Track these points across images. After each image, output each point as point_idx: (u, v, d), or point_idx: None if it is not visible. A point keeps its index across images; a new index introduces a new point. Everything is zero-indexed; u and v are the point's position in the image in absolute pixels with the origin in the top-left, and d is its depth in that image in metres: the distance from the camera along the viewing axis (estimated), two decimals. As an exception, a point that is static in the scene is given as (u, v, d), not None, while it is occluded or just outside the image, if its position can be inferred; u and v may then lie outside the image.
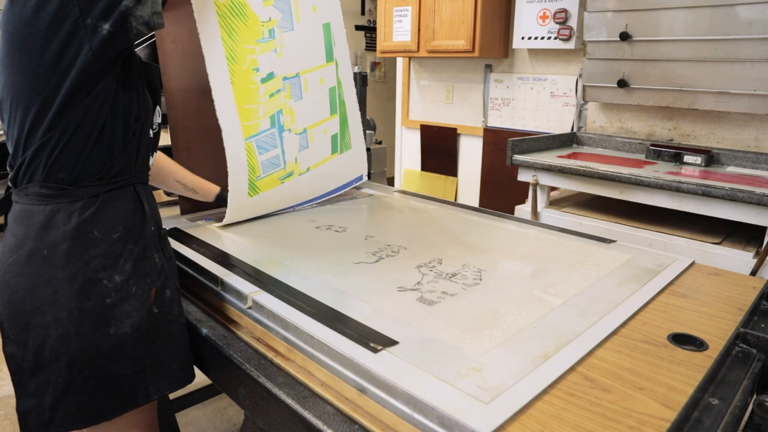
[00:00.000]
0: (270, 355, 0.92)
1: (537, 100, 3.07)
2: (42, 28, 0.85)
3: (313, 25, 1.50)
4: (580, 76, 2.67)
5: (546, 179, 2.24)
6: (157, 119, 1.12)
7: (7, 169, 0.98)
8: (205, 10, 1.24)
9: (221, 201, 1.47)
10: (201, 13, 1.23)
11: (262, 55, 1.35)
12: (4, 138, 0.97)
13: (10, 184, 0.97)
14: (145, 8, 0.87)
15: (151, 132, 1.07)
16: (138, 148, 1.01)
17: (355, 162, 1.73)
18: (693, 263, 1.22)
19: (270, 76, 1.37)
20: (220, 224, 1.41)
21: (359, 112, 1.73)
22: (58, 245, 0.91)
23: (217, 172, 1.45)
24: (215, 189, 1.48)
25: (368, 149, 2.19)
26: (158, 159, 1.37)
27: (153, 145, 1.11)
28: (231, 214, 1.39)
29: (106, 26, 0.85)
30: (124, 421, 1.01)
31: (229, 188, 1.35)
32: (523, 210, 2.33)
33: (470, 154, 3.48)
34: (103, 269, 0.94)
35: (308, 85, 1.48)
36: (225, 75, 1.28)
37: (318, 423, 0.76)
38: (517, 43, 2.89)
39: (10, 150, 0.96)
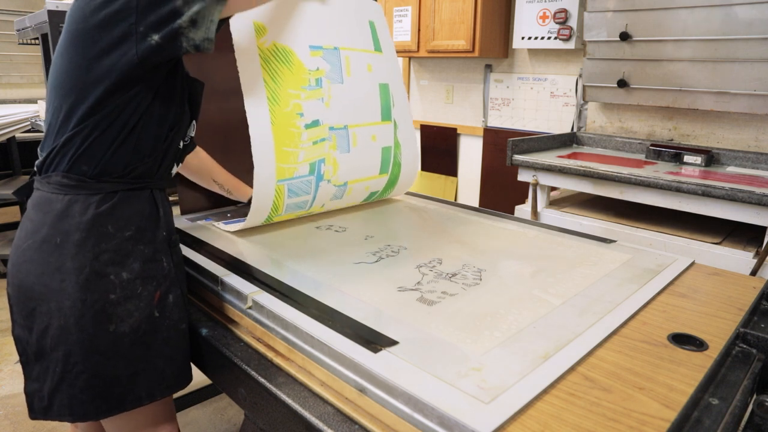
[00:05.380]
0: (270, 355, 0.92)
1: (537, 100, 3.07)
2: (98, 25, 0.89)
3: (367, 83, 1.45)
4: (580, 76, 2.67)
5: (546, 179, 2.24)
6: (191, 133, 1.14)
7: (38, 153, 1.01)
8: (248, 51, 1.20)
9: None
10: (243, 54, 1.19)
11: (308, 102, 1.28)
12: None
13: (35, 169, 1.00)
14: (198, 32, 0.91)
15: (181, 143, 1.09)
16: (164, 156, 1.03)
17: None
18: (693, 263, 1.22)
19: (315, 123, 1.30)
20: (231, 229, 1.37)
21: (416, 175, 1.69)
22: (71, 234, 0.92)
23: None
24: (251, 191, 1.45)
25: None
26: (200, 156, 1.41)
27: (180, 156, 1.13)
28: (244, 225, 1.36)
29: (156, 37, 0.89)
30: (143, 414, 1.03)
31: (246, 219, 1.31)
32: (523, 210, 2.33)
33: (470, 154, 3.48)
34: (111, 264, 0.95)
35: (357, 139, 1.42)
36: (265, 115, 1.22)
37: (318, 423, 0.76)
38: (517, 43, 2.89)
39: (44, 135, 0.99)
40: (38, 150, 1.01)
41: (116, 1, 0.88)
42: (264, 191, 1.25)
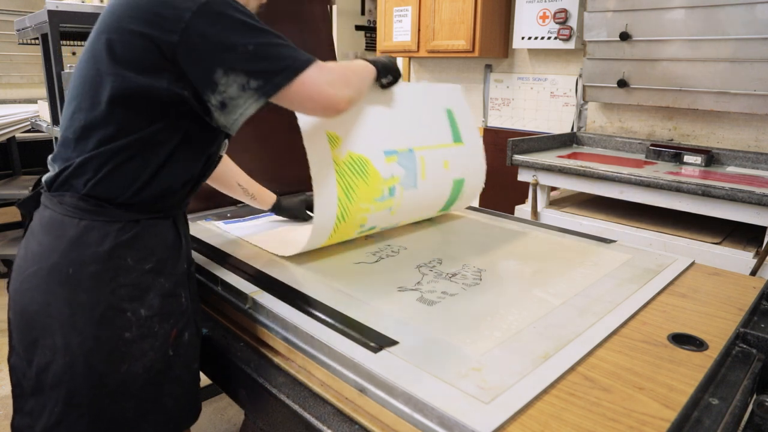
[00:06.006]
0: (270, 355, 0.92)
1: (537, 100, 3.07)
2: (137, 45, 0.83)
3: (442, 183, 1.38)
4: (580, 76, 2.67)
5: (546, 179, 2.24)
6: (223, 151, 1.08)
7: (48, 165, 0.93)
8: (323, 164, 1.09)
9: (277, 210, 1.45)
10: (318, 167, 1.08)
11: (375, 214, 1.22)
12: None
13: (43, 183, 0.92)
14: (224, 117, 0.89)
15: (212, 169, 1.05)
16: (197, 185, 0.99)
17: None
18: (693, 263, 1.22)
19: (372, 227, 1.27)
20: (283, 253, 1.22)
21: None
22: (86, 266, 0.84)
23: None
24: (273, 198, 1.44)
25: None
26: (224, 160, 1.33)
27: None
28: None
29: (187, 92, 0.85)
30: None
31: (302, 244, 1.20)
32: (523, 210, 2.33)
33: (470, 154, 3.47)
34: (129, 300, 0.87)
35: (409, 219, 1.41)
36: (329, 226, 1.14)
37: (318, 423, 0.76)
38: (517, 43, 2.89)
39: (56, 147, 0.92)
40: (48, 161, 0.93)
41: (165, 25, 0.82)
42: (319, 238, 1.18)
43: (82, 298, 0.84)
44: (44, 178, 0.92)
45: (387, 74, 1.19)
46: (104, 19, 0.88)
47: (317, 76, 0.89)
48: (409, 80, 3.73)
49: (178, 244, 0.97)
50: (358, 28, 5.60)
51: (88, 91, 0.87)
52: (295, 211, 1.47)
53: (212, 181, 1.32)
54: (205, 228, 1.41)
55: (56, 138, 1.83)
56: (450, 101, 1.46)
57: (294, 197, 1.49)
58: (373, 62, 1.15)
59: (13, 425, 0.90)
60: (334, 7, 4.95)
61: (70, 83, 0.93)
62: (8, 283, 0.92)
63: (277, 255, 1.21)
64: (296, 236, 1.30)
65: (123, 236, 0.87)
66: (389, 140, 1.23)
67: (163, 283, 0.91)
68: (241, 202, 1.58)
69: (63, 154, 0.89)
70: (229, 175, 1.35)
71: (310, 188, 1.09)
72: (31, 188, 0.99)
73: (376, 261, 1.18)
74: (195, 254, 1.20)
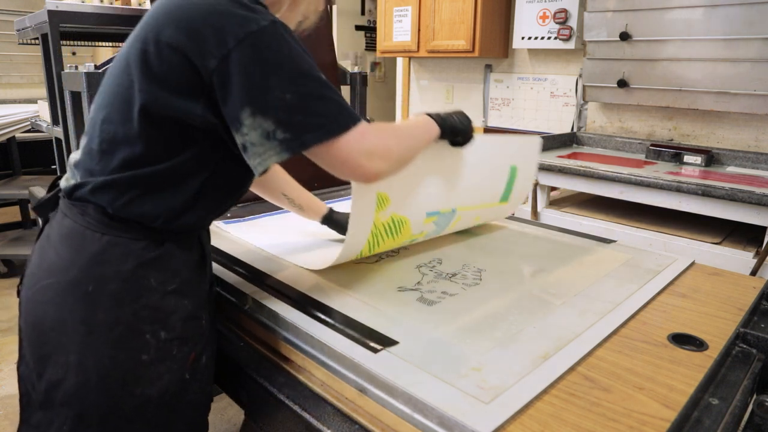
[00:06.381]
0: (270, 355, 0.92)
1: (537, 100, 3.07)
2: (172, 61, 0.76)
3: (462, 225, 1.34)
4: (580, 76, 2.67)
5: (546, 179, 2.24)
6: None
7: (68, 167, 0.88)
8: (361, 230, 1.04)
9: (328, 222, 1.30)
10: (356, 229, 1.02)
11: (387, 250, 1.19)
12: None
13: (62, 190, 0.87)
14: (248, 158, 0.79)
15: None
16: (232, 205, 0.95)
17: None
18: (693, 263, 1.22)
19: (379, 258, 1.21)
20: (313, 267, 1.14)
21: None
22: (106, 284, 0.80)
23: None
24: (324, 209, 1.30)
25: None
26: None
27: None
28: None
29: (217, 121, 0.79)
30: None
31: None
32: (523, 210, 2.33)
33: (470, 154, 3.47)
34: (150, 322, 0.82)
35: None
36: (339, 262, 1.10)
37: (318, 423, 0.76)
38: (517, 43, 2.89)
39: (80, 152, 0.86)
40: (69, 164, 0.87)
41: (206, 47, 0.74)
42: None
43: (100, 317, 0.80)
44: (63, 183, 0.87)
45: (455, 137, 1.05)
46: (144, 26, 0.81)
47: (354, 143, 0.79)
48: (409, 80, 3.73)
49: (203, 264, 0.93)
50: (358, 28, 5.60)
51: (120, 103, 0.81)
52: (346, 225, 1.34)
53: (254, 188, 1.19)
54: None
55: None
56: (519, 156, 1.33)
57: (346, 214, 1.32)
58: (441, 122, 1.01)
59: None
60: (334, 7, 4.94)
61: (102, 86, 0.86)
62: (19, 286, 0.90)
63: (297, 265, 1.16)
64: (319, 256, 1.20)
65: (147, 255, 0.83)
66: (437, 201, 1.17)
67: (186, 305, 0.87)
68: (241, 202, 1.57)
69: (86, 164, 0.84)
70: (274, 184, 1.23)
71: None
72: (47, 189, 0.94)
73: (376, 261, 1.18)
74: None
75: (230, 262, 1.16)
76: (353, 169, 0.82)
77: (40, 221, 0.91)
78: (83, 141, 0.87)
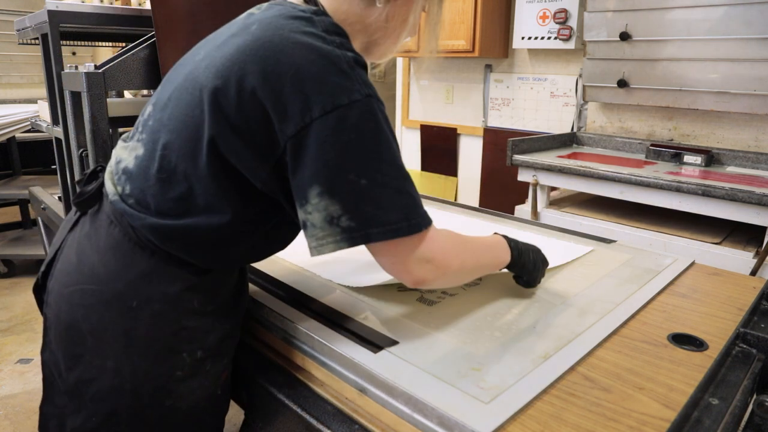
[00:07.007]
0: (270, 355, 0.92)
1: (537, 100, 3.07)
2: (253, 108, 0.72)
3: None
4: (580, 76, 2.67)
5: (546, 179, 2.24)
6: None
7: (117, 171, 0.84)
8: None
9: None
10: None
11: None
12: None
13: (108, 191, 0.83)
14: (307, 238, 0.75)
15: None
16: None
17: None
18: (693, 263, 1.22)
19: None
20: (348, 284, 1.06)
21: None
22: (150, 303, 0.79)
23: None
24: None
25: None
26: None
27: None
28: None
29: (300, 214, 0.73)
30: None
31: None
32: (523, 210, 2.33)
33: (470, 154, 3.48)
34: (188, 342, 0.82)
35: None
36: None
37: (318, 423, 0.76)
38: (517, 43, 2.89)
39: (132, 165, 0.82)
40: (118, 167, 0.83)
41: (288, 110, 0.69)
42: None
43: (140, 333, 0.79)
44: (110, 187, 0.83)
45: (520, 276, 0.97)
46: (225, 59, 0.74)
47: (416, 248, 0.74)
48: (409, 80, 3.73)
49: (241, 287, 0.92)
50: (358, 28, 5.58)
51: (188, 136, 0.75)
52: None
53: None
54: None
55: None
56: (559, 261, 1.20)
57: None
58: (516, 255, 0.93)
59: (42, 409, 0.88)
60: (334, 7, 4.93)
61: (169, 98, 0.81)
62: (40, 277, 0.90)
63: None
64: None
65: (193, 279, 0.81)
66: None
67: (224, 324, 0.86)
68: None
69: (139, 182, 0.80)
70: None
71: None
72: (84, 181, 0.89)
73: (376, 261, 1.18)
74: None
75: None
76: (400, 271, 0.76)
77: (65, 213, 0.88)
78: (137, 147, 0.82)
